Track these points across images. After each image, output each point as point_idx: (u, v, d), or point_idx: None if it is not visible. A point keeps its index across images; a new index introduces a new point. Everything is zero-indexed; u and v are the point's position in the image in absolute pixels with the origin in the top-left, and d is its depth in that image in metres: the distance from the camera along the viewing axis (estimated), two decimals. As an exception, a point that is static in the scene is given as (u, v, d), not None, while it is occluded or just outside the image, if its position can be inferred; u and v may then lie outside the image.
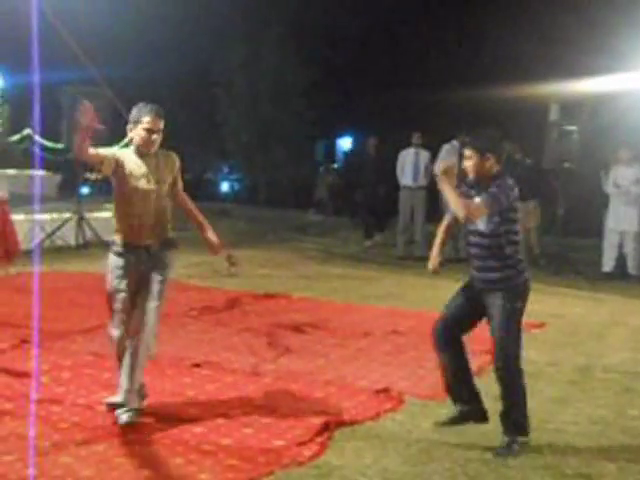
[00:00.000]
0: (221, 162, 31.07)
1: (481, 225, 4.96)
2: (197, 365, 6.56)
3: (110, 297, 5.35)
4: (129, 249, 5.26)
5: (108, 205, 15.12)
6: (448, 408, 5.71)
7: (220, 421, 5.24)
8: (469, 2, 23.15)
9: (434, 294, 10.63)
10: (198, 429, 5.07)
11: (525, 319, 8.97)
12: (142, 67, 21.91)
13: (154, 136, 5.22)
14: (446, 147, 13.69)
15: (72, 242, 12.89)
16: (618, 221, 12.54)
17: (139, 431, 4.97)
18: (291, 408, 5.40)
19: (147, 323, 5.12)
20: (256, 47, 25.59)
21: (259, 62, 25.72)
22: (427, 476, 4.56)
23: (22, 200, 12.51)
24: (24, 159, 17.72)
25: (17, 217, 11.42)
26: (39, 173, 16.88)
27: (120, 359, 5.23)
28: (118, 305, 5.29)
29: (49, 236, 12.50)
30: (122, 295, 5.27)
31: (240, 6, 23.59)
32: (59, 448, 4.66)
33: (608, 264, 12.70)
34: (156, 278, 5.22)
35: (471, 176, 5.05)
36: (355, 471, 4.57)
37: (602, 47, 16.08)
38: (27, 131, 18.50)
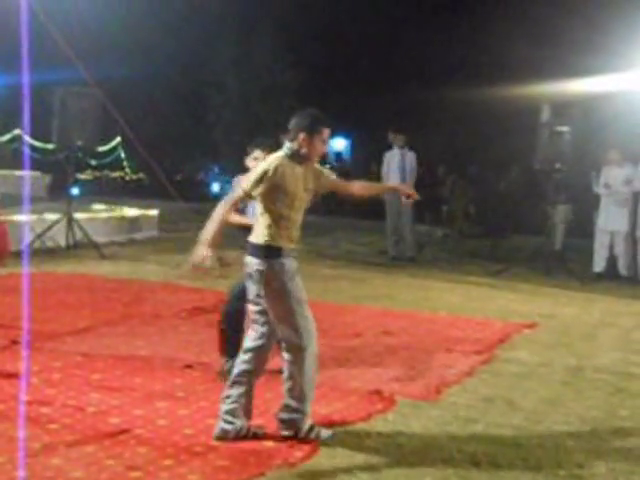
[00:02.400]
0: (212, 163, 31.04)
1: None
2: (188, 366, 6.53)
3: (290, 308, 4.96)
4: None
5: (97, 206, 15.16)
6: (439, 409, 5.72)
7: (211, 422, 5.21)
8: (460, 4, 23.19)
9: (426, 295, 10.64)
10: (188, 430, 5.05)
11: (517, 319, 9.07)
12: (133, 67, 21.87)
13: (325, 147, 5.21)
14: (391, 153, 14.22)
15: (62, 243, 12.85)
16: (608, 221, 12.57)
17: (129, 433, 4.95)
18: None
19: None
20: (247, 47, 25.57)
21: (250, 62, 25.71)
22: (418, 477, 4.54)
23: (12, 201, 12.47)
24: (14, 160, 17.71)
25: (7, 218, 11.37)
26: (29, 173, 16.87)
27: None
28: (307, 314, 5.02)
29: (39, 237, 12.46)
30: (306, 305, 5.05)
31: (231, 6, 23.56)
32: (49, 449, 4.63)
33: (599, 264, 12.73)
34: None
35: None
36: (346, 472, 4.55)
37: (594, 48, 16.12)
38: (17, 131, 18.50)
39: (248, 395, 5.03)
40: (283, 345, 5.03)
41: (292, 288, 4.94)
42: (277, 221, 4.98)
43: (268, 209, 5.00)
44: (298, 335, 4.94)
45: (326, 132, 5.11)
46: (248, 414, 5.03)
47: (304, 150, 5.05)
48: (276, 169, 4.95)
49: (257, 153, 6.24)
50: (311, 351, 4.99)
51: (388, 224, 14.31)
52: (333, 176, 5.36)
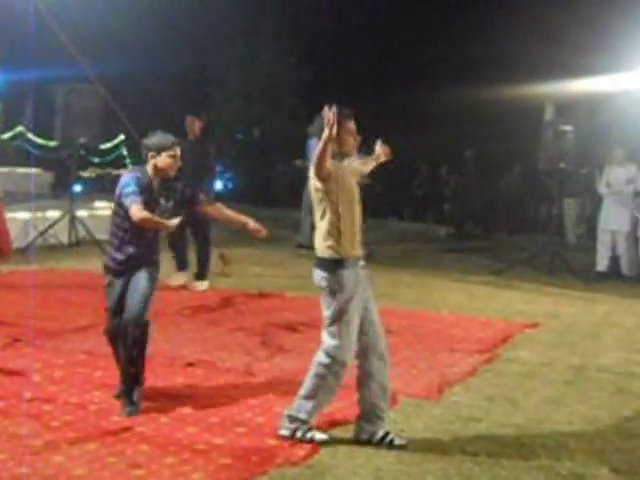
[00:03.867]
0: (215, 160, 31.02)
1: None
2: (190, 364, 6.53)
3: (339, 315, 4.95)
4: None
5: (100, 203, 15.15)
6: (442, 408, 5.71)
7: (213, 420, 5.22)
8: (464, 3, 23.16)
9: (428, 294, 10.64)
10: (191, 428, 5.05)
11: (519, 319, 9.06)
12: (136, 65, 21.85)
13: (352, 140, 5.08)
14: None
15: (65, 240, 12.85)
16: (610, 221, 12.55)
17: (131, 430, 4.95)
18: (285, 407, 5.36)
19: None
20: (251, 45, 25.56)
21: (254, 60, 25.70)
22: (420, 476, 4.54)
23: (14, 198, 12.47)
24: (16, 157, 17.70)
25: (10, 215, 11.37)
26: (32, 171, 16.84)
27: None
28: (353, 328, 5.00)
29: (42, 234, 12.45)
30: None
31: (236, 3, 23.54)
32: (51, 447, 4.63)
33: (602, 264, 12.71)
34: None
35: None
36: (348, 471, 4.55)
37: (598, 47, 16.09)
38: (20, 129, 18.49)
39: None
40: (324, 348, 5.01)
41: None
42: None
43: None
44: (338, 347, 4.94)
45: (348, 124, 5.01)
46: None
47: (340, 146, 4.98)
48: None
49: None
50: (343, 367, 4.96)
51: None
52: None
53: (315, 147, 4.97)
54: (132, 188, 5.27)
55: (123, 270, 5.45)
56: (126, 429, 4.95)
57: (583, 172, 14.43)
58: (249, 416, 5.34)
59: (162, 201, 5.44)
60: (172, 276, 10.02)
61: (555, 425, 5.50)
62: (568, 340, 8.24)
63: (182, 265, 10.32)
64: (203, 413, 5.35)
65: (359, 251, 5.00)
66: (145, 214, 5.22)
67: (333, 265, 4.88)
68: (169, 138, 5.43)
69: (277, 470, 4.49)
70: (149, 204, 5.31)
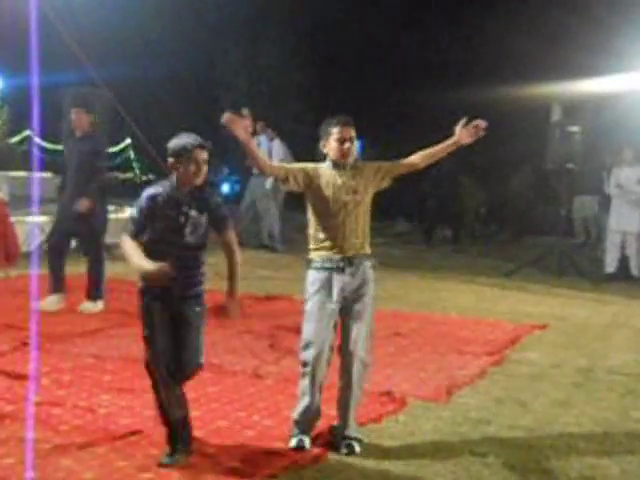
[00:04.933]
0: (222, 163, 31.06)
1: None
2: (198, 367, 6.52)
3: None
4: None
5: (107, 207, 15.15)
6: (451, 410, 5.69)
7: (222, 424, 5.21)
8: (470, 3, 23.12)
9: (436, 296, 10.62)
10: (199, 432, 5.03)
11: (528, 320, 9.04)
12: (142, 68, 21.90)
13: (346, 144, 5.02)
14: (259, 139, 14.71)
15: (72, 244, 12.82)
16: (620, 222, 12.51)
17: (140, 434, 4.94)
18: (292, 410, 5.35)
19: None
20: (256, 48, 25.59)
21: (259, 63, 25.73)
22: (429, 478, 4.52)
23: (22, 202, 12.47)
24: (24, 161, 17.75)
25: (17, 219, 11.39)
26: (39, 175, 16.86)
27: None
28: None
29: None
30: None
31: (241, 7, 23.57)
32: (60, 451, 4.62)
33: (611, 265, 12.67)
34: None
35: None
36: (357, 473, 4.54)
37: (605, 47, 16.07)
38: (27, 133, 18.54)
39: None
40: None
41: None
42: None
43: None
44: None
45: (335, 130, 5.01)
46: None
47: (327, 153, 5.06)
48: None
49: None
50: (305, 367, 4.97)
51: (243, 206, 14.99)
52: (394, 163, 5.25)
53: (320, 150, 5.09)
54: (133, 213, 4.70)
55: None
56: (135, 433, 4.94)
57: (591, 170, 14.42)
58: (257, 419, 5.33)
59: (193, 213, 4.63)
60: (47, 299, 8.80)
61: (564, 427, 5.48)
62: (577, 341, 8.21)
63: (58, 285, 8.94)
64: (211, 416, 5.34)
65: (334, 255, 4.96)
66: (126, 247, 4.57)
67: (307, 264, 5.08)
68: (188, 140, 4.63)
69: (285, 473, 4.48)
70: (176, 219, 4.61)
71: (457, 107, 21.88)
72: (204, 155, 4.67)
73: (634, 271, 12.49)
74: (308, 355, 4.92)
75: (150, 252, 4.51)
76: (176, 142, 4.65)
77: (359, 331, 4.97)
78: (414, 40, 23.28)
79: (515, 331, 8.46)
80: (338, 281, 4.94)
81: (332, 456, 4.76)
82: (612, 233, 12.68)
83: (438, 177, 17.27)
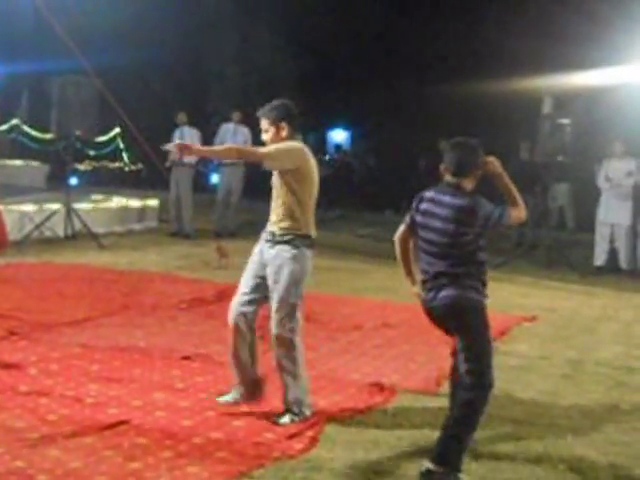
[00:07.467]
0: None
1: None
2: (187, 358, 6.51)
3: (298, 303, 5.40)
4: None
5: (96, 196, 15.12)
6: (440, 401, 5.69)
7: (210, 414, 5.20)
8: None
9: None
10: (187, 422, 5.02)
11: (517, 312, 9.04)
12: (133, 57, 21.77)
13: (263, 136, 5.32)
14: (227, 126, 14.84)
15: (61, 233, 12.81)
16: (609, 214, 12.52)
17: (128, 424, 4.92)
18: (281, 401, 5.35)
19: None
20: (248, 37, 25.51)
21: (251, 52, 25.65)
22: (418, 469, 4.52)
23: (10, 190, 12.44)
24: (12, 149, 17.68)
25: (5, 207, 11.33)
26: (27, 163, 16.83)
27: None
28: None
29: (37, 227, 12.40)
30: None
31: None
32: (47, 440, 4.60)
33: (600, 258, 12.69)
34: None
35: None
36: (346, 465, 4.53)
37: (596, 40, 16.06)
38: (15, 121, 18.45)
39: None
40: None
41: None
42: None
43: None
44: None
45: (260, 122, 5.30)
46: None
47: None
48: None
49: None
50: None
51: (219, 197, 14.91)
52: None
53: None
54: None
55: None
56: (122, 422, 4.92)
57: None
58: (246, 409, 5.32)
59: None
60: None
61: (553, 419, 5.49)
62: (566, 334, 8.23)
63: None
64: (199, 406, 5.33)
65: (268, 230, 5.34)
66: None
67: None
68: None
69: (274, 464, 4.47)
70: None
71: (448, 99, 21.93)
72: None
73: (623, 264, 12.52)
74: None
75: None
76: None
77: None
78: (406, 33, 23.25)
79: (504, 323, 8.45)
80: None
81: (320, 446, 4.75)
82: (601, 226, 12.69)
83: (426, 169, 17.26)
